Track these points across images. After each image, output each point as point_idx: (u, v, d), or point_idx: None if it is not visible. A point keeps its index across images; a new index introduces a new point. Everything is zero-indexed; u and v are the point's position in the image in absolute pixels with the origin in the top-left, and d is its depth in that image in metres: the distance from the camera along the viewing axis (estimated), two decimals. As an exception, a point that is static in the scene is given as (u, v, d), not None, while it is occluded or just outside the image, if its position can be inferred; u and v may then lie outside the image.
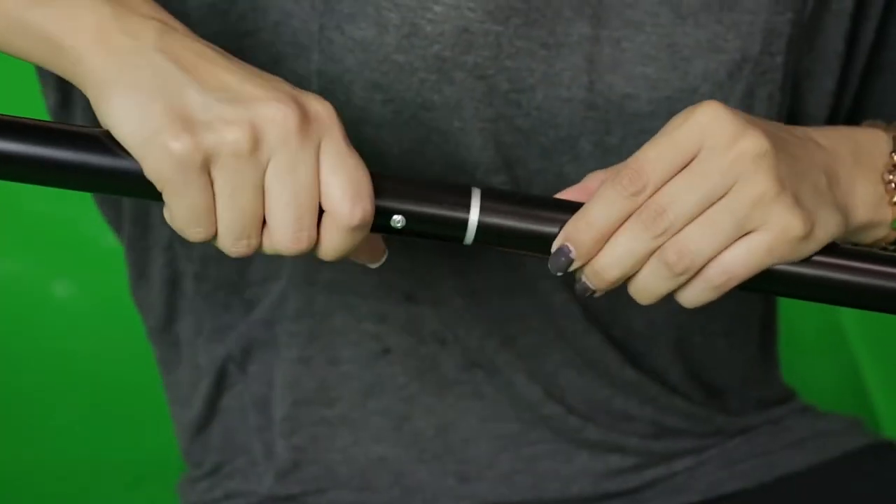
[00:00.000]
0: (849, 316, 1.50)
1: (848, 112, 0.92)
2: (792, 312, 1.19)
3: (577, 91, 0.83)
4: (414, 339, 0.90)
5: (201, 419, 0.97)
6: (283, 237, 0.66)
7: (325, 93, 0.81)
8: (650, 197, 0.68)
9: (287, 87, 0.66)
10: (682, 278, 0.69)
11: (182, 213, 0.66)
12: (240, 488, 0.95)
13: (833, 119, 0.92)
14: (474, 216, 0.69)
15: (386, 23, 0.80)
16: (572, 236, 0.69)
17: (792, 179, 0.70)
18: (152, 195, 0.66)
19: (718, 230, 0.68)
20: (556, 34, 0.82)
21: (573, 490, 0.94)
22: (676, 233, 0.68)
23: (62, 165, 0.67)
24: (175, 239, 0.91)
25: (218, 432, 0.97)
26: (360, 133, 0.83)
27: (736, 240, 0.69)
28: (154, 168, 0.65)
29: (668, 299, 0.91)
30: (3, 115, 0.68)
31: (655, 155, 0.69)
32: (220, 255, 0.89)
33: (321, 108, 0.66)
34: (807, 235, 0.70)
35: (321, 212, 0.67)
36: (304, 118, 0.65)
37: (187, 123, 0.64)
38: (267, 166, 0.65)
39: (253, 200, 0.65)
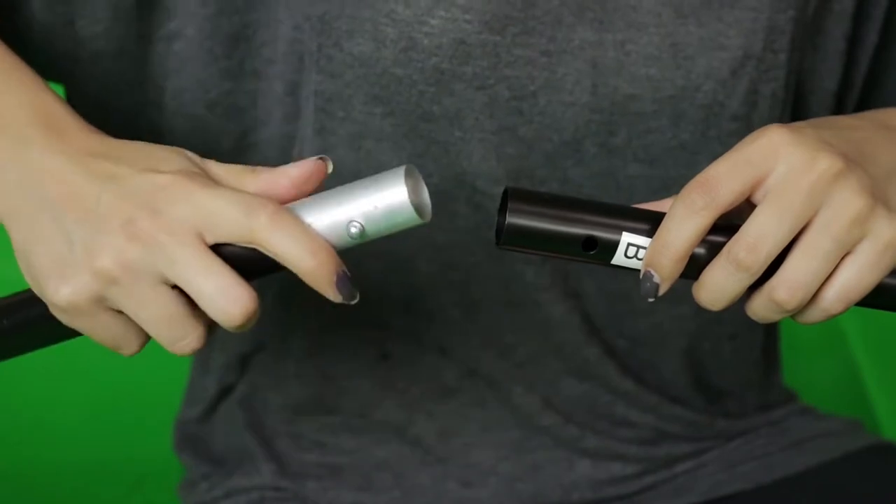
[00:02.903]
0: (849, 317, 1.50)
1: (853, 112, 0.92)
2: (792, 313, 1.19)
3: (581, 95, 0.83)
4: (414, 347, 0.90)
5: (201, 417, 0.98)
6: (228, 317, 0.64)
7: (324, 110, 0.82)
8: (721, 209, 0.67)
9: (134, 177, 0.64)
10: (795, 311, 0.68)
11: (104, 341, 0.67)
12: (241, 484, 0.95)
13: None
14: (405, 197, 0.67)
15: (384, 38, 0.80)
16: (652, 261, 0.67)
17: (877, 184, 0.68)
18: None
19: (821, 257, 0.66)
20: (556, 41, 0.82)
21: (573, 497, 0.94)
22: (770, 261, 0.66)
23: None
24: None
25: (214, 433, 0.97)
26: (361, 147, 0.83)
27: (838, 263, 0.67)
28: (56, 311, 0.66)
29: (674, 305, 0.92)
30: None
31: (725, 169, 0.67)
32: None
33: (167, 177, 0.64)
34: None
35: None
36: (155, 212, 0.63)
37: (60, 269, 0.64)
38: (156, 270, 0.64)
39: (161, 307, 0.64)
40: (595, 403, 0.93)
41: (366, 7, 0.79)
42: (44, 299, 0.66)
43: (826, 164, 0.66)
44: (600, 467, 0.94)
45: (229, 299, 0.64)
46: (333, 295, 0.65)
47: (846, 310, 0.68)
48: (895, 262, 0.68)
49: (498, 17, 0.80)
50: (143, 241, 0.63)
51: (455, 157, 0.83)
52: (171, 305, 0.64)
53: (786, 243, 0.66)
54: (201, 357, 0.98)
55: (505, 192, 0.68)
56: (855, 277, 0.67)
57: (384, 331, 0.90)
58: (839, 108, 0.91)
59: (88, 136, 0.67)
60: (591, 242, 0.68)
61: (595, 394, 0.93)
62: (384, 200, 0.66)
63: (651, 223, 0.68)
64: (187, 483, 1.00)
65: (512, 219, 0.67)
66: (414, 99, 0.81)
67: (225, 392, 0.97)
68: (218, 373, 0.96)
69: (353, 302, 0.66)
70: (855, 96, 0.91)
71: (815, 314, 0.68)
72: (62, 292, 0.64)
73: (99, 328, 0.65)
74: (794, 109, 0.89)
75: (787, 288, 0.67)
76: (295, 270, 0.65)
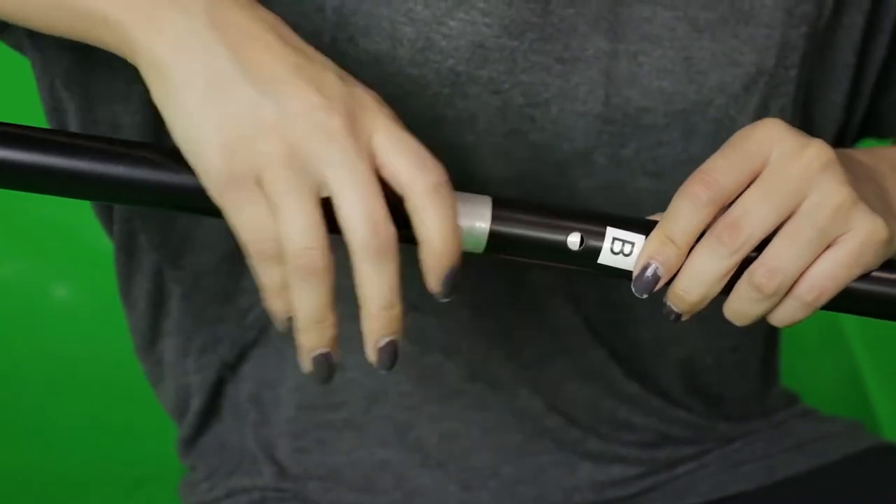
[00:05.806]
0: (849, 318, 1.50)
1: (859, 127, 0.92)
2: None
3: (593, 105, 0.83)
4: (419, 349, 0.90)
5: (194, 430, 0.97)
6: (363, 234, 0.64)
7: None
8: (723, 202, 0.68)
9: (334, 78, 0.65)
10: (775, 299, 0.68)
11: (242, 223, 0.65)
12: (242, 484, 0.95)
13: (843, 133, 0.91)
14: (485, 225, 0.68)
15: (400, 37, 0.79)
16: (655, 253, 0.68)
17: (857, 188, 0.69)
18: (211, 212, 0.65)
19: (804, 244, 0.67)
20: (571, 48, 0.81)
21: (575, 499, 0.94)
22: (754, 245, 0.67)
23: (114, 183, 0.66)
24: (165, 263, 0.91)
25: (212, 437, 0.97)
26: None
27: (820, 252, 0.68)
28: (205, 180, 0.64)
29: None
30: (59, 132, 0.67)
31: (724, 162, 0.68)
32: (214, 269, 0.90)
33: (366, 100, 0.65)
34: (890, 239, 0.69)
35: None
36: (350, 116, 0.64)
37: (235, 135, 0.63)
38: (324, 169, 0.64)
39: (311, 211, 0.64)
40: (599, 406, 0.93)
41: (383, 4, 0.79)
42: (205, 161, 0.63)
43: (815, 152, 0.68)
44: (602, 470, 0.94)
45: (376, 230, 0.64)
46: (437, 286, 0.66)
47: (818, 302, 0.68)
48: (874, 259, 0.69)
49: (517, 23, 0.80)
50: (329, 136, 0.63)
51: (465, 161, 0.83)
52: (318, 212, 0.64)
53: (770, 226, 0.67)
54: (172, 373, 0.97)
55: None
56: (831, 269, 0.68)
57: None
58: (846, 122, 0.91)
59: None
60: (574, 240, 0.69)
61: (599, 397, 0.93)
62: (464, 222, 0.68)
63: (635, 223, 0.70)
64: (188, 483, 1.00)
65: (494, 226, 0.68)
66: (427, 101, 0.81)
67: (222, 387, 0.96)
68: (214, 367, 0.95)
69: (448, 300, 0.67)
70: (863, 108, 0.91)
71: (788, 308, 0.69)
72: (225, 155, 0.63)
73: (247, 207, 0.64)
74: (801, 124, 0.89)
75: (766, 270, 0.67)
76: (426, 248, 0.65)
